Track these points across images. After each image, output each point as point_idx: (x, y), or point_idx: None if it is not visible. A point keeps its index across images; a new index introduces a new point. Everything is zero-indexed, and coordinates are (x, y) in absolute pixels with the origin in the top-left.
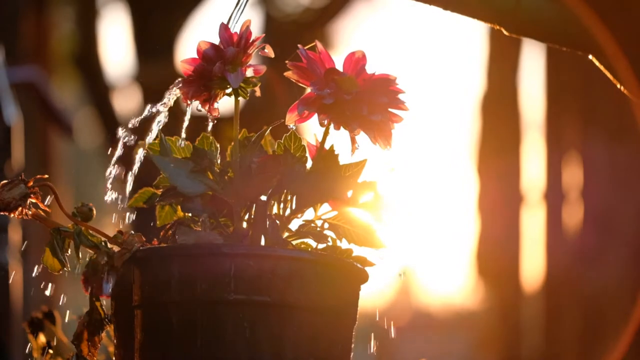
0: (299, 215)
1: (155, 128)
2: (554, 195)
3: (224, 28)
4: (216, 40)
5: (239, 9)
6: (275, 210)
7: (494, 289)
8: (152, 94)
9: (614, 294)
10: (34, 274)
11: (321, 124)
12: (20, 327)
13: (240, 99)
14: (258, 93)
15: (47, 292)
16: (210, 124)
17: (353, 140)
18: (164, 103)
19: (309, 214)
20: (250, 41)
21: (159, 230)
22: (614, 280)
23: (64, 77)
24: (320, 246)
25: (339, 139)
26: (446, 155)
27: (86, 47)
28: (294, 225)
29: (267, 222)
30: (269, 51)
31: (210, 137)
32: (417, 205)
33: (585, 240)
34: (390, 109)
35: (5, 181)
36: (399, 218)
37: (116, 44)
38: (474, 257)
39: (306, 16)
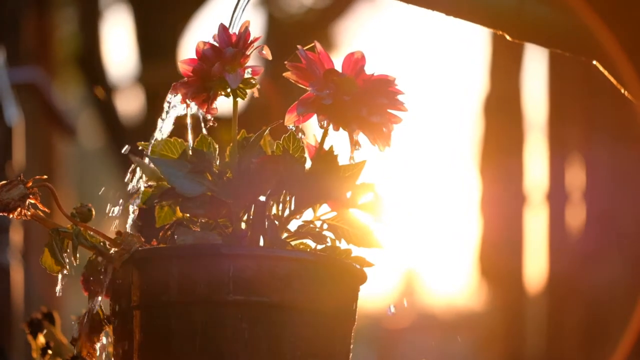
0: (298, 217)
1: (158, 135)
2: (557, 197)
3: (223, 29)
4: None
5: (240, 9)
6: (274, 210)
7: (497, 289)
8: (155, 95)
9: (617, 295)
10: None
11: (320, 125)
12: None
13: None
14: (257, 94)
15: (58, 293)
16: (208, 125)
17: (352, 141)
18: (167, 111)
19: (308, 214)
20: (249, 42)
21: (159, 231)
22: (617, 281)
23: (66, 78)
24: (319, 247)
25: (338, 140)
26: (449, 157)
27: (89, 48)
28: (293, 225)
29: (266, 223)
30: (267, 52)
31: (209, 138)
32: (420, 206)
33: (588, 241)
34: (389, 110)
35: (4, 182)
36: (398, 219)
37: (118, 45)
38: (477, 258)
39: (309, 17)
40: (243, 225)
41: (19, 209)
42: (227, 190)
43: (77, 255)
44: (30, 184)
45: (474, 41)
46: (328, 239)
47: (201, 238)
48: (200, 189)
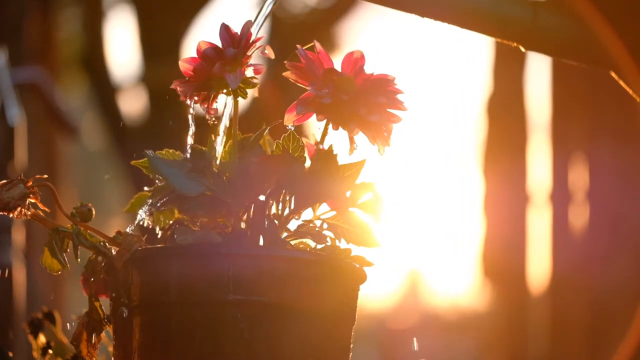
0: (297, 218)
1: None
2: (560, 197)
3: (225, 29)
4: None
5: (264, 14)
6: (273, 210)
7: (501, 290)
8: (158, 96)
9: (621, 295)
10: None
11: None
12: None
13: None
14: (257, 93)
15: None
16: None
17: (351, 141)
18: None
19: (307, 214)
20: (251, 42)
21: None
22: (620, 282)
23: (69, 79)
24: (319, 246)
25: (337, 139)
26: (452, 157)
27: (92, 48)
28: (293, 225)
29: (266, 223)
30: (270, 52)
31: (208, 138)
32: (423, 206)
33: (591, 241)
34: (388, 109)
35: (4, 181)
36: (397, 218)
37: (122, 45)
38: (480, 258)
39: (312, 17)
40: (243, 225)
41: (19, 209)
42: (227, 189)
43: (78, 254)
44: (31, 183)
45: (476, 41)
46: (328, 239)
47: (201, 238)
48: (200, 189)
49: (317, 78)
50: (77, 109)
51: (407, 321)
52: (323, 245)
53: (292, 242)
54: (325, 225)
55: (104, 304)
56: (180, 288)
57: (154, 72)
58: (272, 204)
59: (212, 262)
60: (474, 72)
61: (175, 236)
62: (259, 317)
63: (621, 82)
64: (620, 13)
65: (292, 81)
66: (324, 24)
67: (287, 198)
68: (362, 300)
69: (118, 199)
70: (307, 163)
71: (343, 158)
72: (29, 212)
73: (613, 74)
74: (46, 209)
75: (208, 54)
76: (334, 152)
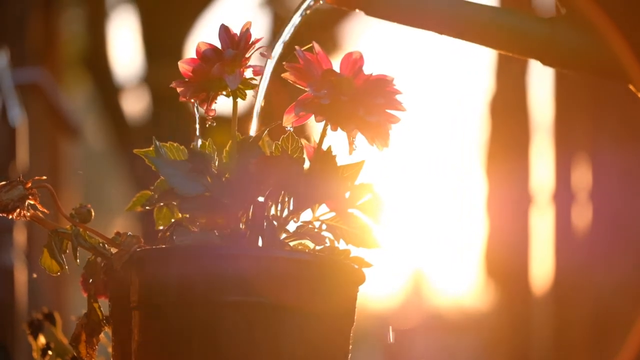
0: (295, 220)
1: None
2: (563, 197)
3: (224, 30)
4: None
5: (289, 30)
6: (272, 211)
7: (503, 290)
8: (161, 96)
9: (624, 295)
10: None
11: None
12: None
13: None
14: (255, 95)
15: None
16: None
17: (350, 141)
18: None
19: (306, 215)
20: (250, 43)
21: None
22: (623, 282)
23: (71, 79)
24: (318, 247)
25: (337, 140)
26: (455, 158)
27: (94, 48)
28: (292, 226)
29: (265, 224)
30: (269, 53)
31: (208, 139)
32: (425, 206)
33: (594, 241)
34: (387, 110)
35: (3, 182)
36: (396, 219)
37: (124, 45)
38: (483, 258)
39: (315, 17)
40: (242, 226)
41: (18, 210)
42: (226, 190)
43: (78, 255)
44: (30, 184)
45: None
46: (327, 240)
47: (200, 239)
48: (199, 190)
49: (316, 79)
50: (79, 109)
51: (410, 321)
52: (322, 246)
53: (291, 243)
54: (324, 227)
55: (103, 305)
56: (179, 289)
57: (156, 72)
58: (271, 205)
59: (211, 263)
60: (477, 72)
61: (174, 237)
62: (258, 318)
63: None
64: (633, 24)
65: (291, 82)
66: (326, 24)
67: (286, 199)
68: (365, 300)
69: (121, 199)
70: (306, 164)
71: (342, 159)
72: (28, 214)
73: (632, 88)
74: (45, 210)
75: (207, 55)
76: (333, 153)
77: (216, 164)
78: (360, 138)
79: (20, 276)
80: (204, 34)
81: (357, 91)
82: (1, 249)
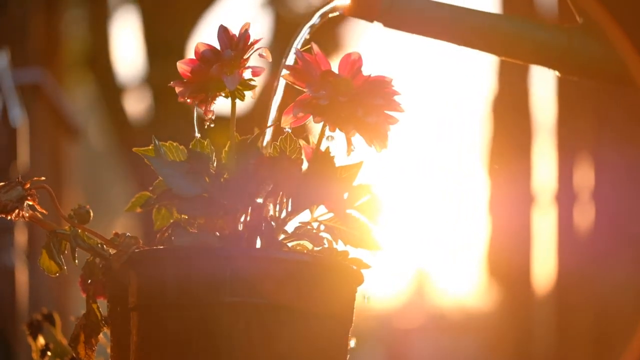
0: (292, 221)
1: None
2: (565, 197)
3: (223, 30)
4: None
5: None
6: (271, 212)
7: (506, 290)
8: (163, 97)
9: (626, 295)
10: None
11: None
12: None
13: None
14: (254, 96)
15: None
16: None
17: (349, 142)
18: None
19: (305, 215)
20: (249, 44)
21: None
22: (625, 282)
23: (72, 80)
24: (317, 248)
25: (335, 141)
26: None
27: (96, 49)
28: (290, 227)
29: (263, 224)
30: (267, 55)
31: (206, 140)
32: (427, 207)
33: (596, 241)
34: (385, 111)
35: (2, 183)
36: (396, 220)
37: (126, 46)
38: (486, 258)
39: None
40: (240, 227)
41: (16, 211)
42: (224, 191)
43: (76, 256)
44: (29, 185)
45: None
46: (325, 241)
47: (198, 240)
48: (197, 190)
49: (314, 80)
50: (81, 110)
51: (412, 321)
52: (320, 247)
53: (290, 244)
54: (322, 227)
55: (102, 305)
56: (178, 290)
57: (158, 72)
58: (270, 206)
59: (209, 264)
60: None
61: (173, 238)
62: (256, 319)
63: None
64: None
65: (290, 83)
66: (328, 24)
67: (285, 200)
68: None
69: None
70: (305, 165)
71: (340, 160)
72: (27, 214)
73: None
74: (44, 211)
75: (206, 56)
76: (331, 154)
77: (215, 164)
78: (358, 139)
79: (21, 276)
80: (206, 34)
81: (355, 92)
82: (2, 249)
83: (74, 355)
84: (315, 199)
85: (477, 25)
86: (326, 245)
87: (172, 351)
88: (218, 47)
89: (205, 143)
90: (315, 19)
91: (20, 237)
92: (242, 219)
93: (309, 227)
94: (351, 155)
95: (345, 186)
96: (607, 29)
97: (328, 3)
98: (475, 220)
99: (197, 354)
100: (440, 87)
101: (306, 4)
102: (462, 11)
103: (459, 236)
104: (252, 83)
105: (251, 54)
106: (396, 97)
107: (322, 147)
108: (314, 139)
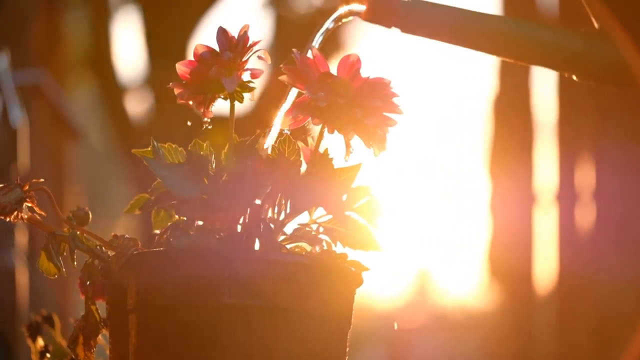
0: (291, 223)
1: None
2: (567, 197)
3: (222, 32)
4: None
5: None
6: (269, 214)
7: (507, 290)
8: (164, 97)
9: (628, 295)
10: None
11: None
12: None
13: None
14: (253, 98)
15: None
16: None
17: (347, 144)
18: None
19: (303, 217)
20: (248, 46)
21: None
22: (627, 282)
23: (74, 80)
24: (315, 250)
25: (333, 143)
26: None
27: (97, 50)
28: (289, 229)
29: (262, 226)
30: (266, 57)
31: (206, 141)
32: (429, 207)
33: (598, 241)
34: (384, 113)
35: (1, 185)
36: (395, 220)
37: (127, 47)
38: (487, 258)
39: (318, 17)
40: (239, 229)
41: (15, 212)
42: (223, 193)
43: (75, 258)
44: (28, 187)
45: None
46: (324, 242)
47: (197, 241)
48: (196, 192)
49: (313, 81)
50: (81, 110)
51: (414, 321)
52: (319, 249)
53: (288, 246)
54: (321, 229)
55: (101, 307)
56: (176, 292)
57: (159, 73)
58: (268, 208)
59: (208, 266)
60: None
61: (171, 240)
62: (255, 321)
63: None
64: None
65: (288, 85)
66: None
67: (283, 202)
68: (369, 300)
69: (123, 200)
70: (303, 167)
71: (339, 162)
72: (26, 216)
73: None
74: (43, 213)
75: (205, 58)
76: (330, 156)
77: (213, 166)
78: (357, 141)
79: (22, 277)
80: (207, 34)
81: (354, 94)
82: (2, 249)
83: (73, 356)
84: (314, 201)
85: (495, 30)
86: (325, 247)
87: (171, 353)
88: (217, 48)
89: (205, 145)
90: (329, 23)
91: (21, 238)
92: (241, 220)
93: (307, 229)
94: (350, 157)
95: (344, 188)
96: (616, 33)
97: (333, 5)
98: (476, 220)
99: (196, 356)
100: (441, 86)
101: (307, 4)
102: (482, 17)
103: (460, 236)
104: (251, 85)
105: (250, 56)
106: (395, 99)
107: (321, 149)
108: (313, 140)
